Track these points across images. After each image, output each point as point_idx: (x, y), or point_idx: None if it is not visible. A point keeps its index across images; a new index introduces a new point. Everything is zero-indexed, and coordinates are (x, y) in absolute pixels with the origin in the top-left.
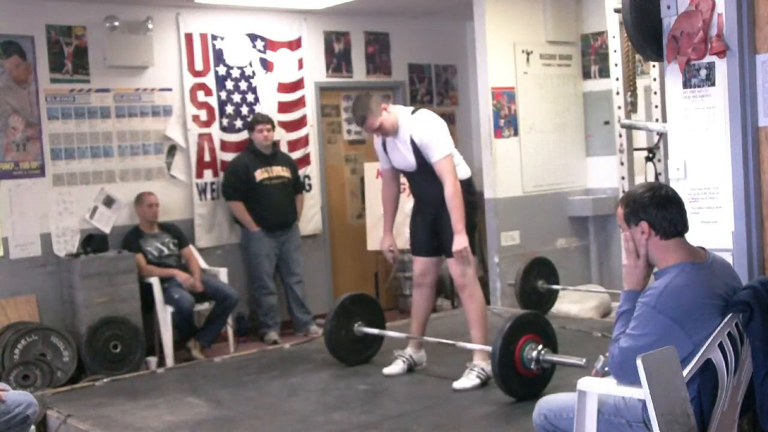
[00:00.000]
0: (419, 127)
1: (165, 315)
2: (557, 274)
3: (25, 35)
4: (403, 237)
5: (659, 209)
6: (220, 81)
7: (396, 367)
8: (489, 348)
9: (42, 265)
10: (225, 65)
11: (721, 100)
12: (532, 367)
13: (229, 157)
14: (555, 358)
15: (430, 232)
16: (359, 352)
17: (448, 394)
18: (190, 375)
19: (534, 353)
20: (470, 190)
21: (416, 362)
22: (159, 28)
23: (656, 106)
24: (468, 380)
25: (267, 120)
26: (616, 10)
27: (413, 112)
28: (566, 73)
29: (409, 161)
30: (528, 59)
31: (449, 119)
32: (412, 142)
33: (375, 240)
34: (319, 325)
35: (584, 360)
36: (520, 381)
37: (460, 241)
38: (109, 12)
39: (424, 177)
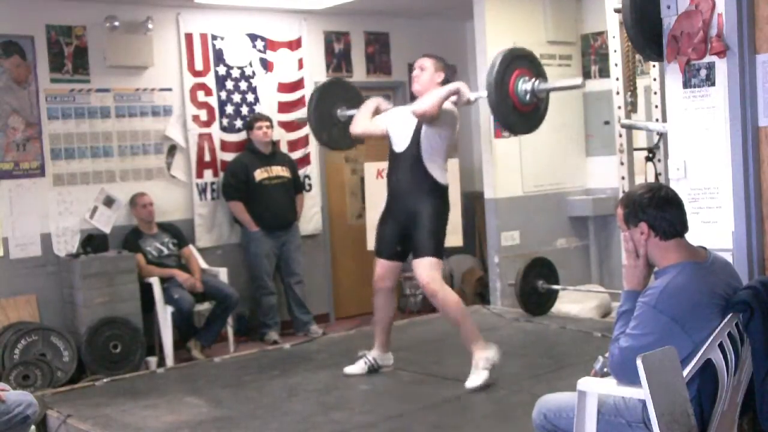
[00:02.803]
0: None
1: (165, 315)
2: (557, 274)
3: (25, 35)
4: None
5: (658, 210)
6: (220, 81)
7: (356, 368)
8: (491, 349)
9: (42, 265)
10: (225, 65)
11: (721, 100)
12: (528, 99)
13: (229, 157)
14: (549, 85)
15: (397, 236)
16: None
17: (448, 394)
18: (190, 375)
19: (528, 85)
20: (445, 198)
21: (380, 365)
22: (159, 28)
23: (656, 106)
24: (478, 377)
25: (266, 118)
26: (616, 10)
27: None
28: (566, 73)
29: (404, 135)
30: None
31: None
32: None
33: None
34: (320, 326)
35: (580, 79)
36: (518, 116)
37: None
38: (109, 12)
39: (408, 160)
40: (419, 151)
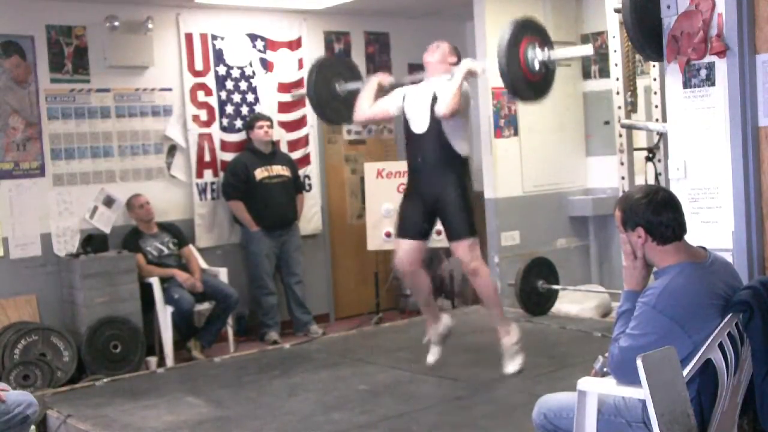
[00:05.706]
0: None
1: (165, 315)
2: (557, 274)
3: (25, 35)
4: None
5: (655, 215)
6: (220, 81)
7: (434, 353)
8: (515, 331)
9: (42, 265)
10: (225, 65)
11: (721, 100)
12: (537, 67)
13: (229, 157)
14: (559, 53)
15: (423, 213)
16: (342, 111)
17: (448, 394)
18: (190, 375)
19: (537, 53)
20: (467, 170)
21: (446, 333)
22: (159, 28)
23: (656, 106)
24: (514, 362)
25: (266, 117)
26: (616, 10)
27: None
28: (566, 73)
29: (422, 115)
30: None
31: None
32: (434, 98)
33: (375, 240)
34: (320, 326)
35: (590, 48)
36: (527, 84)
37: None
38: (109, 12)
39: (430, 138)
40: (440, 127)
